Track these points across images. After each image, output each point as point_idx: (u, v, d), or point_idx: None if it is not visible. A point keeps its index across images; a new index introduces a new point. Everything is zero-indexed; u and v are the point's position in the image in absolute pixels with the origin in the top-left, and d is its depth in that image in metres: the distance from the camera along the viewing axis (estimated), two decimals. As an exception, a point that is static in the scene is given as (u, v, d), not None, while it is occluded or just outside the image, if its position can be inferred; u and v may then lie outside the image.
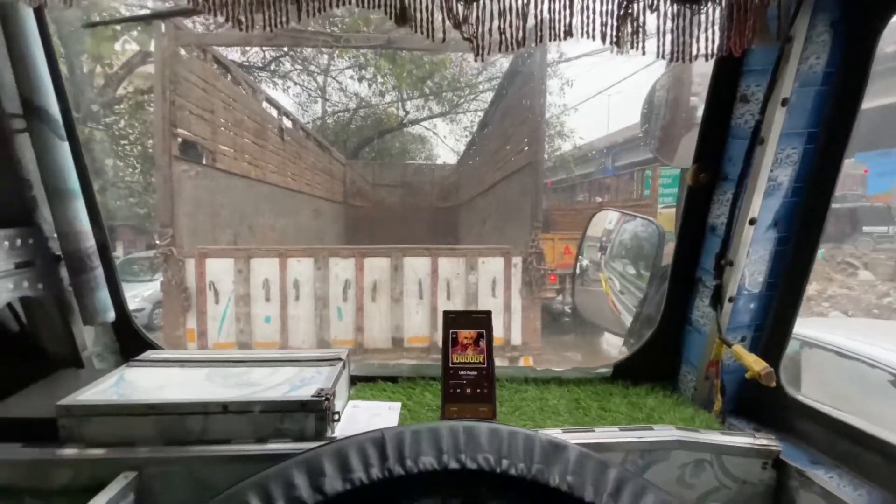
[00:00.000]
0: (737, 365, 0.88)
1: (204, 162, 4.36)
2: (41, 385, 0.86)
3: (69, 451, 0.70)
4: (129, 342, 1.04)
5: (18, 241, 0.83)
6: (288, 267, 3.78)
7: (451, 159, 14.83)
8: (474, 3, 0.65)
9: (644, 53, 0.67)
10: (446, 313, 0.93)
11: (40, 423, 0.73)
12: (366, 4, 0.65)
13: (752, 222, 0.79)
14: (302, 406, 0.74)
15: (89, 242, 0.88)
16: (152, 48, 4.03)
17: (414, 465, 0.50)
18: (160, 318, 4.82)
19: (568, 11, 0.66)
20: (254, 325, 3.78)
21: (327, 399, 0.75)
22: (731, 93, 0.82)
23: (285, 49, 10.56)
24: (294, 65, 12.16)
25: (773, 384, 0.75)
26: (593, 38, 0.66)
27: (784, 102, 0.72)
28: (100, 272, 0.91)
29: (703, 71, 1.09)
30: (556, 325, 7.52)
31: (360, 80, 11.27)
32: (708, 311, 0.90)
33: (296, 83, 12.81)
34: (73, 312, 0.92)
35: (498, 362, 0.93)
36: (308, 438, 0.74)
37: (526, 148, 4.69)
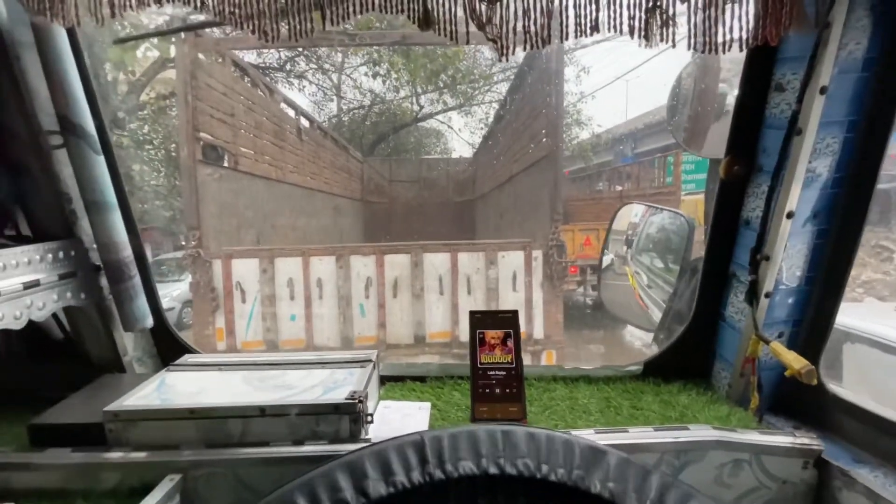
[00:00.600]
0: (773, 361, 0.86)
1: (226, 164, 4.45)
2: (87, 390, 0.90)
3: (116, 455, 0.73)
4: (167, 346, 1.08)
5: (61, 254, 0.86)
6: (311, 266, 3.85)
7: (467, 153, 14.76)
8: (498, 3, 0.64)
9: (674, 46, 0.65)
10: (472, 313, 0.94)
11: (88, 427, 0.76)
12: (389, 9, 0.65)
13: (789, 216, 0.76)
14: (336, 409, 0.75)
15: (127, 252, 0.92)
16: (172, 54, 4.12)
17: (454, 470, 0.50)
18: (189, 317, 4.97)
19: (594, 6, 0.64)
20: (280, 323, 3.87)
21: (360, 401, 0.76)
22: (765, 82, 0.79)
23: (300, 49, 10.65)
24: (309, 64, 12.26)
25: (815, 382, 0.73)
26: (621, 32, 0.65)
27: (823, 90, 0.69)
28: (137, 280, 0.94)
29: (731, 57, 1.05)
30: (578, 317, 7.45)
31: (375, 76, 11.30)
32: (743, 306, 0.88)
33: (311, 82, 12.92)
34: (113, 320, 0.96)
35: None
36: (343, 440, 0.75)
37: (544, 139, 4.63)
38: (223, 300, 3.79)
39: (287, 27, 0.65)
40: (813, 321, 0.84)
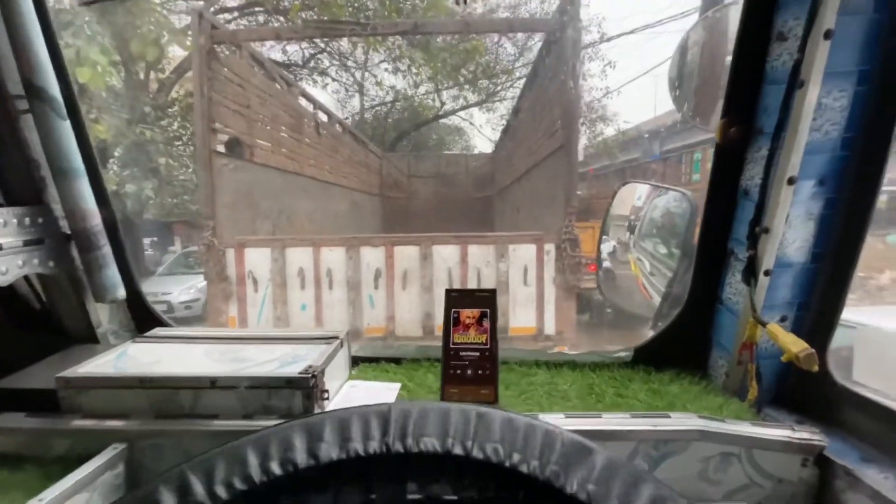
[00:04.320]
0: (775, 349, 0.77)
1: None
2: (54, 358, 0.89)
3: (66, 422, 0.72)
4: (142, 320, 1.07)
5: (27, 220, 0.85)
6: (321, 256, 3.86)
7: (488, 149, 14.65)
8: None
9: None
10: (448, 291, 0.89)
11: (43, 394, 0.75)
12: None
13: (790, 182, 0.68)
14: (288, 383, 0.71)
15: (95, 221, 0.90)
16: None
17: (415, 445, 0.45)
18: (212, 305, 5.06)
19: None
20: (290, 312, 3.90)
21: (314, 377, 0.72)
22: (765, 32, 0.71)
23: (322, 45, 10.78)
24: (332, 61, 12.40)
25: (815, 368, 0.64)
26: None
27: (827, 35, 0.60)
28: (107, 250, 0.93)
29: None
30: (598, 315, 7.29)
31: (396, 71, 11.33)
32: (741, 287, 0.79)
33: (334, 79, 13.08)
34: (86, 290, 0.95)
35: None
36: (296, 416, 0.71)
37: (558, 130, 4.51)
38: (236, 288, 3.85)
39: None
40: (820, 303, 0.75)
